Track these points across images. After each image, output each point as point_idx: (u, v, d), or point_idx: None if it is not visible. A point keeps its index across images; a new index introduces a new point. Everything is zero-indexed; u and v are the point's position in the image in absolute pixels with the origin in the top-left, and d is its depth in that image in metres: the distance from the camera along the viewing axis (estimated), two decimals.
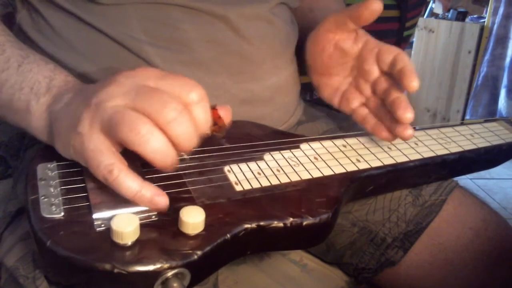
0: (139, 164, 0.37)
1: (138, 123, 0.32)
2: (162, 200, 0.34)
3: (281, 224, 0.37)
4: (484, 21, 2.25)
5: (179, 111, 0.32)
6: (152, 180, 0.37)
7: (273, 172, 0.43)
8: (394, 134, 0.48)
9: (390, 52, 0.48)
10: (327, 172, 0.45)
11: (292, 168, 0.44)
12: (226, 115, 0.38)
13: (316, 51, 0.53)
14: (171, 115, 0.32)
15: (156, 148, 0.32)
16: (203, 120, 0.35)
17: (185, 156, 0.36)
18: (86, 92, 0.36)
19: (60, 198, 0.36)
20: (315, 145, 0.49)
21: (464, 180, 1.93)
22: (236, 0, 0.52)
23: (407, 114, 0.45)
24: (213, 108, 0.37)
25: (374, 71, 0.50)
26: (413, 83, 0.45)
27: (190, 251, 0.33)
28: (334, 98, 0.54)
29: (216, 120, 0.37)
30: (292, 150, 0.47)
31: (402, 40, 1.16)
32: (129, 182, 0.33)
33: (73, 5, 0.49)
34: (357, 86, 0.52)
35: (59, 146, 0.37)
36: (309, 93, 1.07)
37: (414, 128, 0.55)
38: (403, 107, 0.45)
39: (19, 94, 0.40)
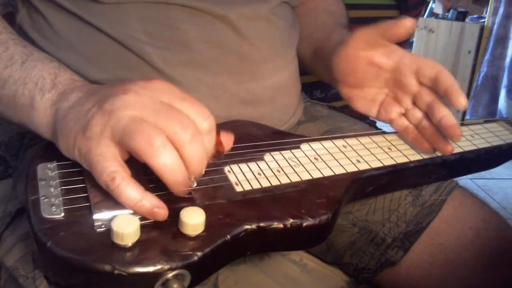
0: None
1: (153, 134, 0.32)
2: (161, 212, 0.34)
3: (281, 225, 0.37)
4: (484, 21, 2.25)
5: (195, 135, 0.34)
6: (153, 181, 0.37)
7: (274, 173, 0.43)
8: (436, 147, 0.50)
9: (431, 67, 0.49)
10: (328, 172, 0.45)
11: (293, 168, 0.44)
12: (227, 142, 0.39)
13: (348, 68, 0.53)
14: (188, 136, 0.33)
15: (167, 162, 0.33)
16: (208, 150, 0.36)
17: (194, 184, 0.37)
18: (98, 95, 0.36)
19: (60, 199, 0.36)
20: (316, 145, 0.49)
21: (464, 180, 1.93)
22: (237, 0, 0.52)
23: (458, 133, 0.47)
24: (217, 133, 0.37)
25: (413, 85, 0.50)
26: (463, 102, 0.46)
27: (190, 252, 0.33)
28: (371, 108, 0.55)
29: (218, 146, 0.38)
30: (292, 151, 0.47)
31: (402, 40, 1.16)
32: (130, 191, 0.33)
33: (73, 5, 0.49)
34: (396, 97, 0.53)
35: (62, 145, 0.37)
36: (309, 93, 1.07)
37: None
38: (455, 127, 0.47)
39: (23, 89, 0.40)
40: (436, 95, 0.49)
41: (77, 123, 0.35)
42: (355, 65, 0.52)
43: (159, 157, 0.32)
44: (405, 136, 0.52)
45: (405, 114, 0.53)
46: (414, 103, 0.52)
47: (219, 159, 0.39)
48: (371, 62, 0.52)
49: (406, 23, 0.48)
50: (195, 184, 0.37)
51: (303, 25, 0.66)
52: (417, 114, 0.51)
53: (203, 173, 0.36)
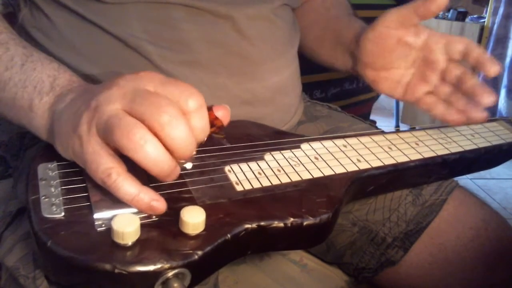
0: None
1: (131, 128, 0.31)
2: (159, 205, 0.34)
3: (281, 224, 0.37)
4: (484, 21, 2.26)
5: (174, 115, 0.32)
6: (153, 181, 0.37)
7: (274, 172, 0.43)
8: (468, 116, 0.51)
9: (460, 42, 0.51)
10: (328, 172, 0.45)
11: (293, 168, 0.44)
12: (224, 115, 0.37)
13: (376, 49, 0.54)
14: (165, 119, 0.31)
15: (150, 154, 0.31)
16: (200, 129, 0.34)
17: (186, 164, 0.36)
18: (88, 94, 0.36)
19: (61, 198, 0.36)
20: (316, 145, 0.49)
21: (464, 180, 1.93)
22: (240, 0, 0.52)
23: (491, 98, 0.49)
24: (209, 110, 0.36)
25: (442, 61, 0.52)
26: (495, 68, 0.49)
27: (191, 251, 0.33)
28: (396, 90, 0.56)
29: (214, 121, 0.36)
30: (292, 150, 0.47)
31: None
32: (127, 186, 0.33)
33: (75, 4, 0.49)
34: (423, 76, 0.54)
35: (59, 146, 0.37)
36: (309, 93, 1.07)
37: (415, 128, 0.55)
38: (486, 92, 0.49)
39: (22, 92, 0.40)
40: (464, 68, 0.51)
41: (69, 123, 0.35)
42: (385, 44, 0.53)
43: (140, 151, 0.31)
44: (432, 113, 0.53)
45: (433, 92, 0.54)
46: (442, 79, 0.53)
47: (221, 134, 0.38)
48: (401, 41, 0.53)
49: (439, 0, 0.49)
50: (190, 166, 0.36)
51: (314, 19, 0.67)
52: (446, 89, 0.53)
53: (194, 153, 0.34)
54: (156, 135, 0.32)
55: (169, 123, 0.31)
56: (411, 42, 0.53)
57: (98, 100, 0.33)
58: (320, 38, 0.67)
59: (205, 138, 0.35)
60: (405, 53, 0.54)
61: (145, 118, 0.32)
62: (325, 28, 0.66)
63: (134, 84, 0.34)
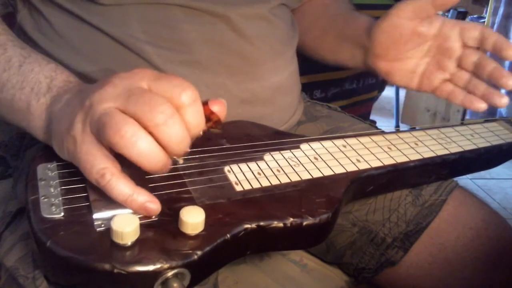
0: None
1: (123, 125, 0.31)
2: (153, 206, 0.33)
3: (281, 224, 0.37)
4: (484, 21, 2.25)
5: (169, 114, 0.31)
6: (153, 180, 0.37)
7: (273, 172, 0.43)
8: (489, 102, 0.51)
9: (475, 28, 0.51)
10: (327, 172, 0.45)
11: (292, 168, 0.44)
12: (221, 109, 0.36)
13: (390, 39, 0.54)
14: (160, 118, 0.31)
15: (142, 150, 0.31)
16: (195, 123, 0.33)
17: (179, 160, 0.36)
18: (83, 93, 0.36)
19: (60, 198, 0.36)
20: (315, 145, 0.49)
21: (464, 180, 1.93)
22: (237, 0, 0.52)
23: (511, 81, 0.49)
24: (205, 104, 0.35)
25: (458, 48, 0.52)
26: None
27: (190, 251, 0.33)
28: (412, 80, 0.56)
29: (210, 116, 0.36)
30: (292, 150, 0.47)
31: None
32: (121, 186, 0.32)
33: (74, 5, 0.49)
34: (439, 64, 0.54)
35: (55, 147, 0.37)
36: (309, 93, 1.07)
37: (415, 128, 0.55)
38: (506, 75, 0.49)
39: (20, 94, 0.40)
40: (481, 53, 0.51)
41: (64, 124, 0.35)
42: (399, 35, 0.53)
43: (132, 147, 0.31)
44: (452, 100, 0.54)
45: (450, 79, 0.54)
46: (458, 66, 0.53)
47: (219, 129, 0.37)
48: (415, 31, 0.53)
49: None
50: (181, 161, 0.36)
51: (315, 17, 0.67)
52: (465, 76, 0.53)
53: (188, 150, 0.34)
54: (150, 133, 0.32)
55: (164, 123, 0.31)
56: (425, 32, 0.53)
57: (92, 99, 0.33)
58: (322, 36, 0.66)
59: (201, 133, 0.34)
60: (419, 43, 0.54)
61: (140, 117, 0.31)
62: (326, 25, 0.66)
63: (127, 82, 0.33)
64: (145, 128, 0.31)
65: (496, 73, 0.50)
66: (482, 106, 0.51)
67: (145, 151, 0.31)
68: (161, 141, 0.32)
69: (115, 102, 0.32)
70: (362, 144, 0.50)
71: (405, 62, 0.55)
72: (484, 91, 0.51)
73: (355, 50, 0.61)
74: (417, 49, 0.54)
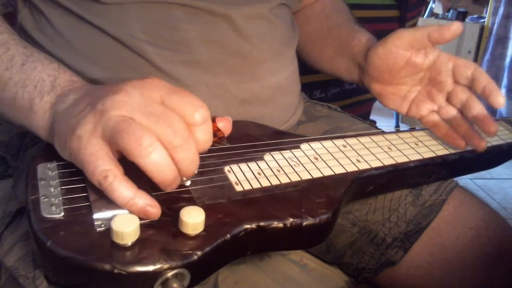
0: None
1: (141, 134, 0.32)
2: (154, 210, 0.34)
3: (281, 225, 0.37)
4: (484, 21, 2.25)
5: (186, 138, 0.33)
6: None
7: (273, 172, 0.43)
8: (469, 143, 0.52)
9: (467, 67, 0.52)
10: (327, 172, 0.45)
11: (292, 168, 0.44)
12: (226, 127, 0.39)
13: (385, 65, 0.55)
14: (180, 142, 0.33)
15: (156, 161, 0.32)
16: (204, 141, 0.35)
17: (186, 181, 0.37)
18: (92, 96, 0.36)
19: (60, 198, 0.36)
20: (315, 145, 0.49)
21: (464, 180, 1.93)
22: None
23: (493, 129, 0.50)
24: (213, 121, 0.37)
25: (449, 83, 0.53)
26: (501, 101, 0.49)
27: (190, 252, 0.33)
28: (402, 105, 0.57)
29: (216, 132, 0.38)
30: (292, 150, 0.47)
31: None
32: (122, 189, 0.33)
33: (74, 4, 0.49)
34: (429, 95, 0.55)
35: (57, 146, 0.37)
36: (309, 93, 1.07)
37: (415, 128, 0.55)
38: (490, 122, 0.50)
39: (23, 92, 0.40)
40: (470, 93, 0.52)
41: (69, 124, 0.35)
42: (393, 63, 0.54)
43: (147, 157, 0.32)
44: (435, 132, 0.54)
45: (437, 111, 0.55)
46: (447, 100, 0.54)
47: (223, 144, 0.39)
48: (409, 61, 0.53)
49: (454, 28, 0.50)
50: (189, 183, 0.37)
51: (315, 28, 0.68)
52: (451, 111, 0.53)
53: (196, 172, 0.35)
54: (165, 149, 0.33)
55: (181, 145, 0.33)
56: (419, 63, 0.53)
57: (105, 104, 0.34)
58: (321, 47, 0.67)
59: (207, 150, 0.36)
60: (413, 72, 0.54)
61: (157, 133, 0.33)
62: (325, 37, 0.66)
63: (141, 92, 0.34)
64: (161, 144, 0.33)
65: (478, 118, 0.51)
66: (461, 145, 0.52)
67: (160, 162, 0.32)
68: (176, 162, 0.33)
69: (132, 113, 0.33)
70: (362, 144, 0.50)
71: (398, 87, 0.56)
72: (465, 132, 0.52)
73: (352, 67, 0.62)
74: (411, 77, 0.55)
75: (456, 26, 0.50)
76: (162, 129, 0.33)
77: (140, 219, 0.34)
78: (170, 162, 0.33)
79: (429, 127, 0.55)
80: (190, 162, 0.34)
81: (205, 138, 0.35)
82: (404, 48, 0.53)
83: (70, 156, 0.35)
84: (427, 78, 0.55)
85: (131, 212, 0.34)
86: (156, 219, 0.34)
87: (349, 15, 0.69)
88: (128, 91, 0.34)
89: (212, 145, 0.37)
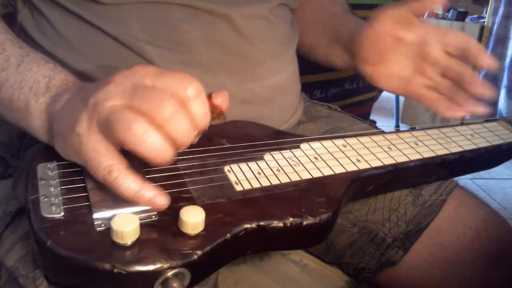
0: (139, 163, 0.37)
1: (133, 122, 0.31)
2: (162, 200, 0.33)
3: (281, 224, 0.37)
4: (484, 21, 2.25)
5: (176, 109, 0.32)
6: (153, 180, 0.37)
7: (273, 172, 0.43)
8: (470, 112, 0.52)
9: (457, 36, 0.51)
10: (327, 172, 0.45)
11: (292, 168, 0.44)
12: (223, 102, 0.37)
13: (374, 45, 0.55)
14: (168, 114, 0.32)
15: (152, 146, 0.32)
16: (201, 115, 0.34)
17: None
18: (84, 92, 0.36)
19: (60, 198, 0.36)
20: (315, 145, 0.49)
21: (464, 180, 1.93)
22: None
23: (490, 92, 0.49)
24: (208, 98, 0.36)
25: (441, 56, 0.53)
26: (492, 62, 0.50)
27: (190, 251, 0.33)
28: (396, 85, 0.56)
29: (213, 108, 0.37)
30: (292, 150, 0.47)
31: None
32: (128, 182, 0.33)
33: (74, 5, 0.49)
34: (423, 71, 0.54)
35: (58, 146, 0.37)
36: (309, 93, 1.07)
37: (415, 128, 0.55)
38: (485, 86, 0.50)
39: (19, 93, 0.40)
40: (464, 63, 0.52)
41: (67, 123, 0.35)
42: (382, 42, 0.54)
43: (143, 144, 0.32)
44: (436, 108, 0.54)
45: (434, 87, 0.54)
46: (443, 74, 0.54)
47: (223, 120, 0.38)
48: (398, 38, 0.53)
49: None
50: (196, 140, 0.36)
51: (312, 18, 0.68)
52: (447, 85, 0.53)
53: (195, 142, 0.35)
54: (157, 128, 0.32)
55: (171, 118, 0.32)
56: (408, 39, 0.53)
57: (96, 97, 0.33)
58: (317, 37, 0.67)
59: (207, 126, 0.35)
60: (403, 49, 0.54)
61: (146, 113, 0.32)
62: (322, 27, 0.66)
63: (130, 80, 0.34)
64: (153, 123, 0.32)
65: (474, 84, 0.51)
66: (462, 114, 0.52)
67: (155, 146, 0.32)
68: (168, 135, 0.33)
69: (121, 100, 0.33)
70: (362, 144, 0.50)
71: (389, 67, 0.56)
72: (465, 101, 0.52)
73: (344, 54, 0.62)
74: (401, 54, 0.54)
75: None
76: (151, 107, 0.32)
77: (140, 218, 0.34)
78: (165, 143, 0.32)
79: (428, 105, 0.54)
80: (184, 133, 0.33)
81: (201, 111, 0.34)
82: (391, 26, 0.53)
83: (73, 154, 0.35)
84: (416, 53, 0.54)
85: (138, 205, 0.34)
86: (165, 207, 0.34)
87: (344, 5, 0.69)
88: (117, 81, 0.34)
89: (214, 123, 0.36)
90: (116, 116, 0.32)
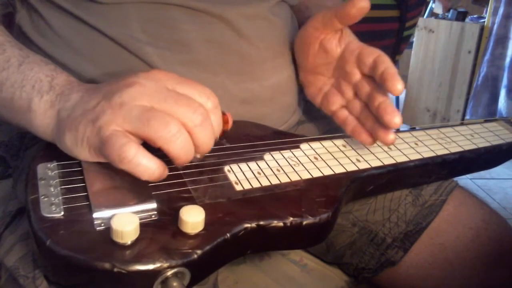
0: None
1: (169, 121, 0.34)
2: (166, 169, 0.36)
3: (281, 224, 0.37)
4: (484, 21, 2.26)
5: (206, 117, 0.36)
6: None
7: (273, 172, 0.43)
8: (376, 138, 0.47)
9: (371, 54, 0.47)
10: (327, 172, 0.45)
11: (292, 167, 0.44)
12: (230, 121, 0.42)
13: (303, 49, 0.53)
14: (199, 120, 0.35)
15: (183, 146, 0.35)
16: (217, 126, 0.38)
17: (197, 155, 0.39)
18: (101, 92, 0.37)
19: (60, 198, 0.36)
20: (315, 145, 0.49)
21: (464, 180, 1.93)
22: None
23: (395, 119, 0.44)
24: (223, 114, 0.40)
25: (355, 74, 0.49)
26: (397, 86, 0.43)
27: (190, 251, 0.33)
28: (317, 97, 0.54)
29: (224, 124, 0.40)
30: (292, 150, 0.47)
31: (402, 40, 1.16)
32: (146, 161, 0.35)
33: (72, 5, 0.49)
34: (339, 88, 0.51)
35: (69, 141, 0.37)
36: None
37: (415, 128, 0.55)
38: (390, 112, 0.44)
39: (21, 92, 0.40)
40: (377, 84, 0.47)
41: (85, 117, 0.36)
42: (309, 44, 0.52)
43: (175, 143, 0.34)
44: (344, 129, 0.50)
45: (346, 106, 0.51)
46: (355, 94, 0.50)
47: (222, 143, 0.42)
48: (322, 45, 0.51)
49: (359, 3, 0.45)
50: (199, 156, 0.39)
51: (298, 21, 0.66)
52: (357, 105, 0.49)
53: (200, 159, 0.39)
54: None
55: (201, 124, 0.35)
56: (330, 49, 0.50)
57: (122, 97, 0.35)
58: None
59: (218, 137, 0.39)
60: (327, 60, 0.51)
61: (178, 116, 0.35)
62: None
63: (155, 83, 0.36)
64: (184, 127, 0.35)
65: (382, 109, 0.45)
66: (368, 141, 0.48)
67: (184, 146, 0.35)
68: (195, 139, 0.36)
69: (151, 102, 0.35)
70: (362, 143, 0.50)
71: (316, 77, 0.53)
72: (371, 126, 0.47)
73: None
74: (326, 66, 0.52)
75: (363, 3, 0.45)
76: (182, 110, 0.35)
77: (140, 218, 0.34)
78: (192, 145, 0.36)
79: (339, 124, 0.51)
80: (208, 141, 0.36)
81: (217, 123, 0.38)
82: (318, 29, 0.50)
83: (88, 145, 0.37)
84: (338, 68, 0.51)
85: (154, 180, 0.36)
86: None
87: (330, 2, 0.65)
88: (141, 83, 0.36)
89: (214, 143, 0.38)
90: (152, 114, 0.35)
